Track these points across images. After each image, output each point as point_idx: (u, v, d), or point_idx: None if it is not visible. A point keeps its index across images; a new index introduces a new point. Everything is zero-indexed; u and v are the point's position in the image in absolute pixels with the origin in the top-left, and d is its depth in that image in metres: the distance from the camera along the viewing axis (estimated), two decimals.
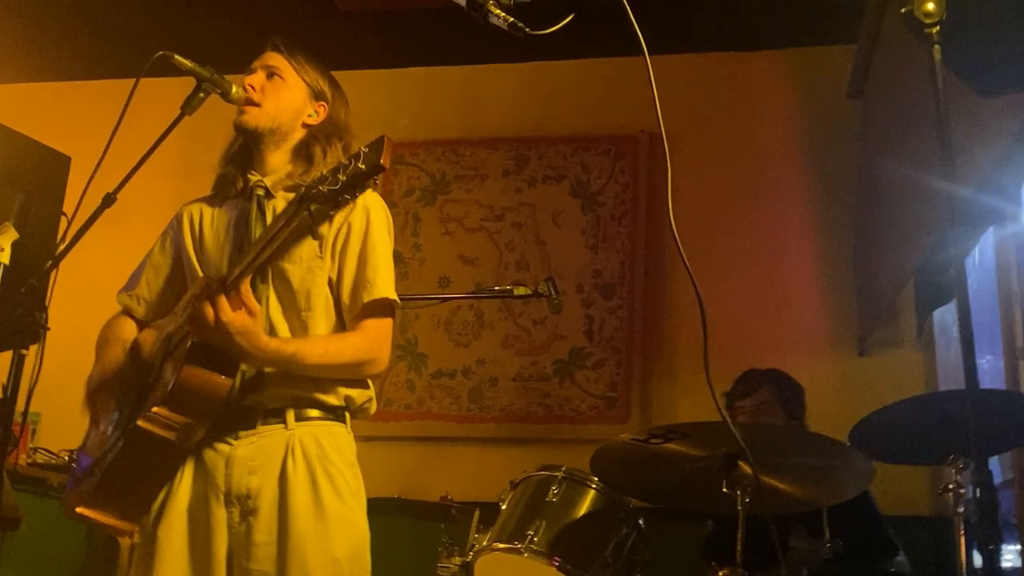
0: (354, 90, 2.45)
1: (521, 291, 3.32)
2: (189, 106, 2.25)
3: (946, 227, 2.81)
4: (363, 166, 1.78)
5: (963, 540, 2.58)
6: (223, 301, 1.93)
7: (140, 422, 2.00)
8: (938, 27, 1.67)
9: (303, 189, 1.87)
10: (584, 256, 4.65)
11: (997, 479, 3.59)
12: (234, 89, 2.27)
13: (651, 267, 4.59)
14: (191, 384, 1.97)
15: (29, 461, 4.25)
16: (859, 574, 3.06)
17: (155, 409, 1.98)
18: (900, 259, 3.64)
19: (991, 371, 3.45)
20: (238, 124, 2.27)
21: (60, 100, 5.24)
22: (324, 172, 1.84)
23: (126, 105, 2.19)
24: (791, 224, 4.49)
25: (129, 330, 2.33)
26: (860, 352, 4.28)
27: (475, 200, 4.82)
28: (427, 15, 4.46)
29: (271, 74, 2.30)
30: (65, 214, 3.48)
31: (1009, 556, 3.50)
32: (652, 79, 1.77)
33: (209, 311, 1.93)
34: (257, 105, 2.26)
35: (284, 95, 2.29)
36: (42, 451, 4.39)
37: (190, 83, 2.27)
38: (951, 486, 2.58)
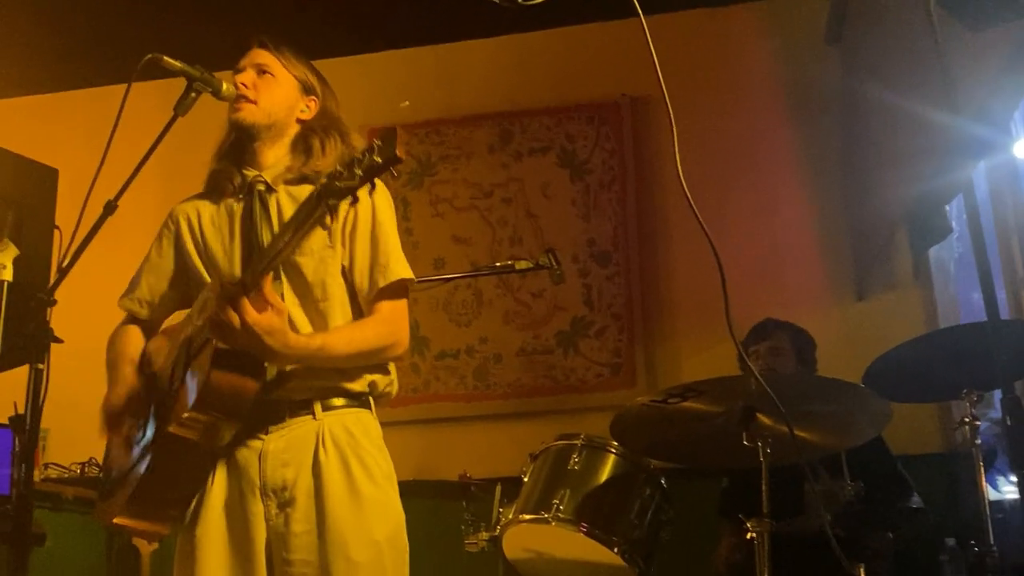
0: (333, 78, 2.44)
1: (523, 265, 3.32)
2: (182, 106, 2.24)
3: (943, 157, 2.83)
4: (379, 159, 1.77)
5: (982, 471, 2.62)
6: (246, 304, 1.93)
7: (172, 428, 2.01)
8: None
9: (320, 186, 1.86)
10: (577, 226, 4.65)
11: (997, 414, 3.64)
12: (224, 86, 2.26)
13: (644, 231, 4.60)
14: (220, 388, 1.98)
15: (43, 476, 4.24)
16: (879, 514, 3.09)
17: (186, 415, 1.98)
18: (893, 197, 3.66)
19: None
20: (234, 120, 2.26)
21: (37, 113, 5.19)
22: (338, 167, 1.83)
23: (120, 110, 2.18)
24: (781, 175, 4.51)
25: (135, 342, 2.33)
26: (859, 296, 4.31)
27: (463, 179, 4.81)
28: None
29: (261, 71, 2.30)
30: (58, 227, 3.46)
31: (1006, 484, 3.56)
32: (650, 41, 1.76)
33: (234, 316, 1.92)
34: (252, 102, 2.25)
35: (277, 91, 2.29)
36: (54, 466, 4.38)
37: (168, 85, 2.24)
38: (967, 419, 2.62)
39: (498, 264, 3.47)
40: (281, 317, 1.98)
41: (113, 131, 2.19)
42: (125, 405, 2.19)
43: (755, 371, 2.34)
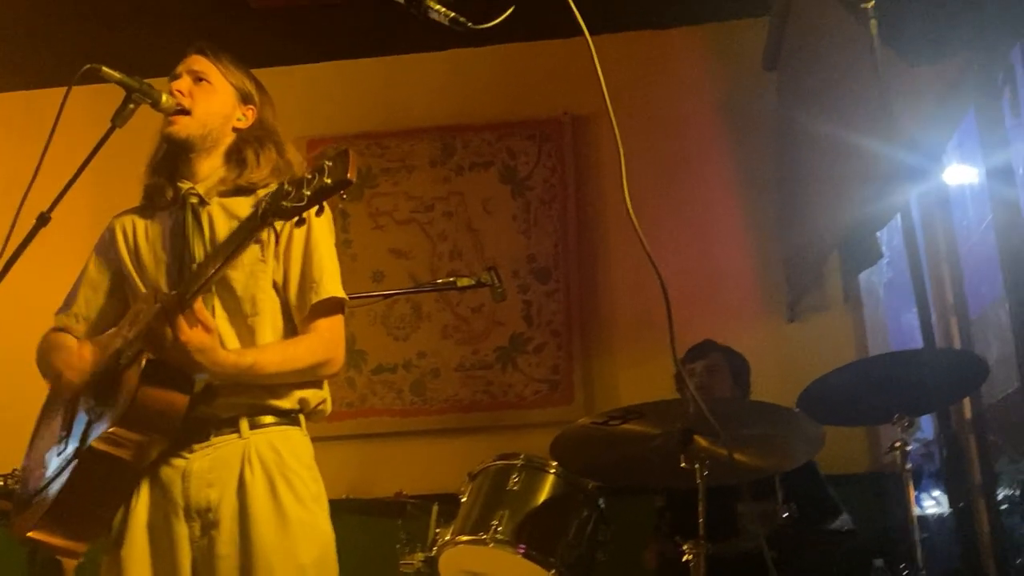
0: (272, 88, 2.40)
1: (464, 282, 3.32)
2: (120, 118, 2.18)
3: (877, 183, 2.90)
4: (329, 180, 1.72)
5: (912, 494, 2.67)
6: (180, 321, 1.90)
7: (96, 443, 1.96)
8: (873, 2, 1.73)
9: (265, 204, 1.82)
10: (517, 242, 4.66)
11: (923, 434, 3.73)
12: (164, 98, 2.21)
13: (584, 248, 4.62)
14: (149, 402, 1.94)
15: None
16: (810, 536, 3.15)
17: (112, 429, 1.94)
18: (827, 222, 3.73)
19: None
20: (168, 135, 2.22)
21: None
22: (286, 186, 1.78)
23: (56, 120, 2.12)
24: (716, 197, 4.57)
25: (67, 347, 2.25)
26: (790, 318, 4.38)
27: (403, 192, 4.78)
28: (340, 9, 4.41)
29: (198, 79, 2.25)
30: None
31: (932, 503, 3.65)
32: (596, 60, 1.77)
33: (167, 331, 1.89)
34: (187, 113, 2.21)
35: (213, 100, 2.25)
36: None
37: (99, 90, 2.18)
38: (897, 444, 2.67)
39: (440, 281, 3.47)
40: (211, 335, 1.95)
41: (49, 140, 2.13)
42: (52, 402, 2.13)
43: (695, 394, 2.37)
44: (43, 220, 2.14)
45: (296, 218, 1.80)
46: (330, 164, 1.74)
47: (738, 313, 4.36)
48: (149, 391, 1.93)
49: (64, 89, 2.13)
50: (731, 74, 4.70)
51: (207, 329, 1.94)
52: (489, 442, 4.20)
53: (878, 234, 3.75)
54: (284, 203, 1.77)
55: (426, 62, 4.88)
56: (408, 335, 4.62)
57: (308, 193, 1.74)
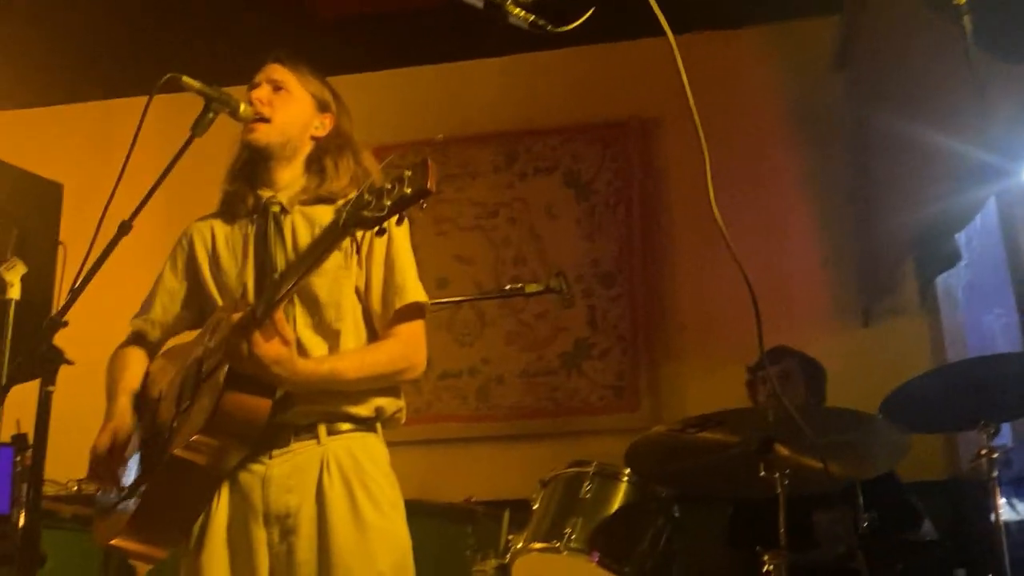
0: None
1: (532, 288, 3.29)
2: (199, 127, 2.18)
3: (957, 184, 2.83)
4: (409, 190, 1.71)
5: (999, 503, 2.60)
6: (256, 335, 1.91)
7: (179, 451, 1.97)
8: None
9: (344, 215, 1.80)
10: (581, 247, 4.62)
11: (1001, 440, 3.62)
12: (242, 107, 2.22)
13: (649, 252, 4.58)
14: (233, 409, 1.94)
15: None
16: (891, 545, 3.07)
17: (195, 437, 1.95)
18: (903, 224, 3.65)
19: (1005, 330, 3.47)
20: (248, 142, 2.23)
21: (40, 126, 5.15)
22: (365, 195, 1.78)
23: (139, 128, 2.13)
24: (787, 198, 4.50)
25: (135, 367, 2.29)
26: (864, 323, 4.29)
27: (467, 198, 4.78)
28: (404, 17, 4.43)
29: (277, 87, 2.27)
30: (62, 243, 3.43)
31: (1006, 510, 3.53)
32: (680, 61, 1.74)
33: (243, 345, 1.91)
34: (267, 121, 2.22)
35: (292, 108, 2.26)
36: (50, 482, 4.31)
37: (173, 100, 2.20)
38: (983, 451, 2.60)
39: (508, 287, 3.44)
40: (288, 347, 1.96)
41: (131, 148, 2.14)
42: (110, 447, 2.14)
43: (784, 400, 2.31)
44: (125, 229, 2.15)
45: (377, 228, 1.79)
46: (409, 174, 1.72)
47: (810, 318, 4.27)
48: (233, 398, 1.94)
49: (141, 98, 2.15)
50: (800, 74, 4.62)
51: (285, 341, 1.94)
52: (554, 448, 4.18)
53: (956, 236, 3.66)
54: (365, 213, 1.76)
55: (488, 68, 4.88)
56: (472, 341, 4.61)
57: (388, 203, 1.73)
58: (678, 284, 4.54)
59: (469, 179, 4.79)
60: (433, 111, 4.90)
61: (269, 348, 1.92)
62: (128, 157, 2.15)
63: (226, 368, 1.96)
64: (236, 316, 1.94)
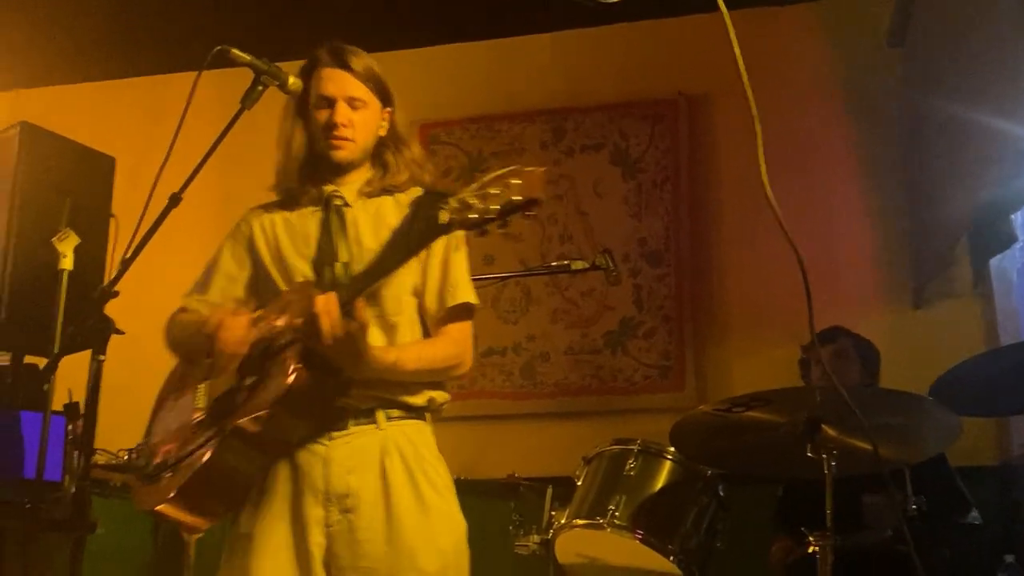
0: (384, 73, 2.36)
1: (579, 265, 3.28)
2: (249, 100, 2.21)
3: (1012, 165, 2.77)
4: (519, 198, 1.73)
5: None
6: (341, 318, 1.97)
7: (245, 423, 1.99)
8: None
9: (447, 215, 1.82)
10: (628, 224, 4.60)
11: None
12: (291, 80, 2.24)
13: (696, 232, 4.54)
14: (304, 387, 1.98)
15: (91, 463, 4.25)
16: (938, 530, 3.03)
17: (263, 412, 1.98)
18: (957, 205, 3.58)
19: None
20: (335, 159, 2.26)
21: (92, 100, 5.23)
22: (467, 199, 1.79)
23: (188, 101, 2.16)
24: (839, 178, 4.42)
25: (223, 323, 2.29)
26: (915, 305, 4.22)
27: None
28: None
29: (355, 106, 2.26)
30: (114, 215, 3.47)
31: None
32: (733, 37, 1.71)
33: (327, 325, 1.96)
34: (352, 141, 2.25)
35: (370, 121, 2.29)
36: (101, 451, 4.39)
37: (223, 74, 2.20)
38: None
39: (554, 264, 3.44)
40: (363, 332, 2.02)
41: (182, 121, 2.17)
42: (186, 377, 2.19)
43: (835, 379, 2.28)
44: (175, 201, 2.18)
45: (478, 230, 1.81)
46: (519, 181, 1.74)
47: (861, 299, 4.21)
48: (305, 376, 1.98)
49: (192, 73, 2.17)
50: (852, 52, 4.54)
51: (361, 326, 2.01)
52: (598, 427, 4.17)
53: (1012, 217, 3.58)
54: (468, 215, 1.78)
55: (536, 44, 4.85)
56: (518, 319, 4.61)
57: (496, 207, 1.75)
58: (725, 264, 4.50)
59: (516, 156, 4.77)
60: (481, 87, 4.89)
61: (350, 332, 1.98)
62: (178, 130, 2.18)
63: (299, 347, 2.00)
64: (321, 298, 1.98)
